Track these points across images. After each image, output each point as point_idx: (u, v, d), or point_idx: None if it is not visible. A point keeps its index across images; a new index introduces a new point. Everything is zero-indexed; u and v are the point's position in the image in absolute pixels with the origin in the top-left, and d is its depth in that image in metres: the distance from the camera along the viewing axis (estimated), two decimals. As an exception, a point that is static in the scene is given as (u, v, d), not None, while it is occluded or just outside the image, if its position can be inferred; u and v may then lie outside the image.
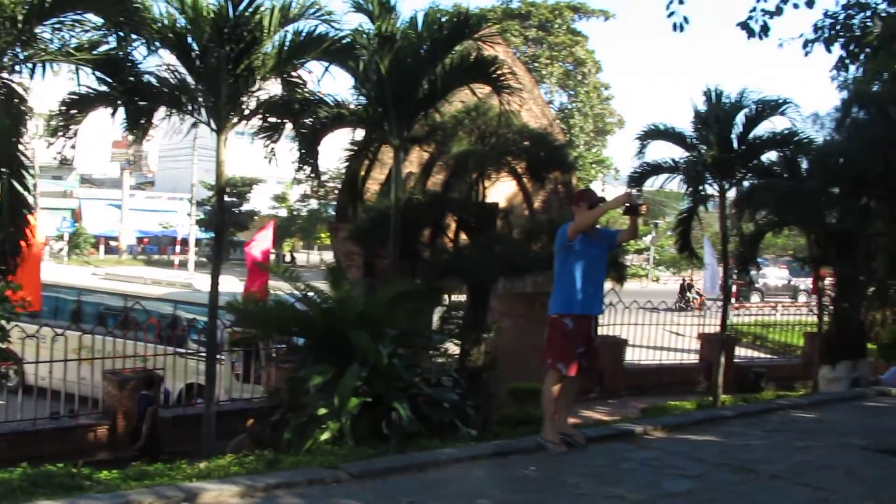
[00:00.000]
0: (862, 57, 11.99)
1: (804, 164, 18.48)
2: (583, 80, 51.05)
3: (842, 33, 11.59)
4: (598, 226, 7.19)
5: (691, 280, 44.54)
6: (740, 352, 28.38)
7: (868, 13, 11.79)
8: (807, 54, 12.05)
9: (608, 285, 16.27)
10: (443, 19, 13.51)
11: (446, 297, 15.29)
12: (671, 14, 11.47)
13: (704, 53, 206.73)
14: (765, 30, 10.98)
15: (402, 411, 8.18)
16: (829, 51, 11.64)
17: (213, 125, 11.91)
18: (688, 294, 43.28)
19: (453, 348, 15.49)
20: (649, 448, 6.97)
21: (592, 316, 6.90)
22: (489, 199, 16.76)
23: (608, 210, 7.09)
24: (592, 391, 21.94)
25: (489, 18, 17.95)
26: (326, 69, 13.18)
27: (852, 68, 14.09)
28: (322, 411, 8.28)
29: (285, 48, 12.09)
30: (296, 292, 10.33)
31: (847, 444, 7.29)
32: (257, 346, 15.01)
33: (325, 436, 7.99)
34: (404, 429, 8.11)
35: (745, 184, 18.38)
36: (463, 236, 15.86)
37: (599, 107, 51.77)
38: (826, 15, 11.74)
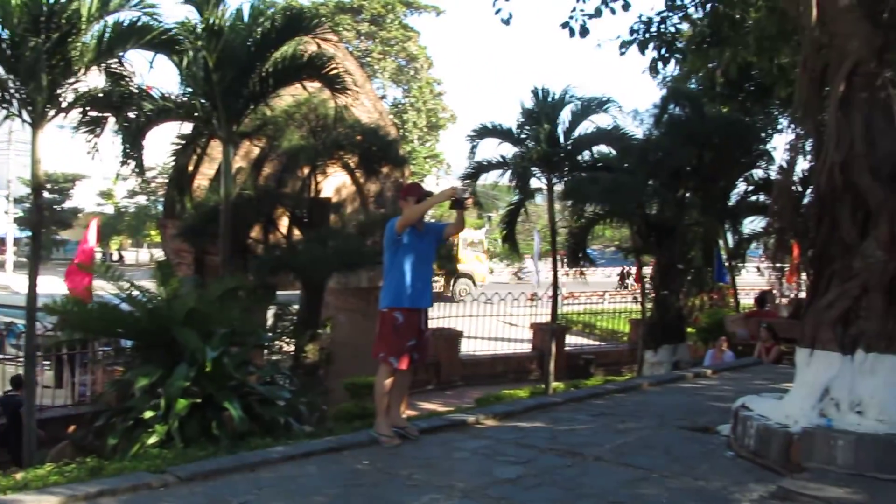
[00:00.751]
0: (672, 60, 12.57)
1: (626, 158, 19.32)
2: (416, 76, 51.41)
3: (655, 36, 12.16)
4: (426, 219, 7.28)
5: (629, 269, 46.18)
6: (571, 340, 29.38)
7: (680, 15, 12.41)
8: (622, 54, 12.63)
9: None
10: (273, 13, 13.34)
11: (280, 293, 15.12)
12: (498, 11, 11.83)
13: (537, 50, 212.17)
14: (584, 31, 11.39)
15: (233, 411, 8.02)
16: (642, 53, 12.20)
17: (28, 118, 11.26)
18: (626, 281, 44.99)
19: (289, 345, 15.34)
20: (481, 437, 7.13)
21: (422, 309, 6.99)
22: (322, 194, 16.66)
23: (435, 204, 7.17)
24: (429, 383, 22.23)
25: (322, 15, 17.84)
26: (151, 61, 12.74)
27: (668, 68, 14.80)
28: (149, 414, 8.01)
29: (105, 39, 11.57)
30: (120, 293, 9.93)
31: (666, 424, 7.69)
32: (75, 349, 14.30)
33: (152, 439, 7.74)
34: (235, 429, 7.97)
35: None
36: (296, 231, 15.72)
37: (432, 102, 52.25)
38: (640, 20, 12.29)
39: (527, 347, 26.25)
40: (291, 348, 14.82)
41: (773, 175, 18.73)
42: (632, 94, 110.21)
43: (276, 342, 13.50)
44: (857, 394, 6.18)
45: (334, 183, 17.96)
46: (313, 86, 14.92)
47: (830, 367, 6.27)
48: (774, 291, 23.36)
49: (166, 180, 26.04)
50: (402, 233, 6.79)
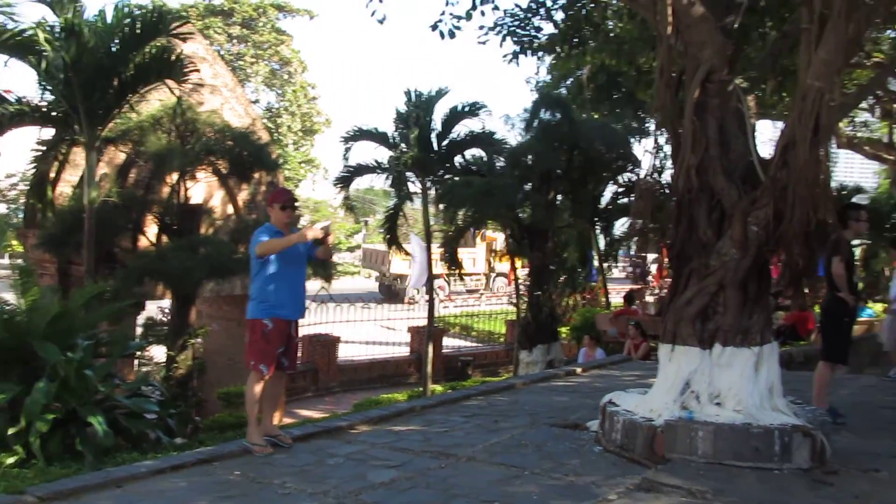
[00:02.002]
0: (531, 53, 12.73)
1: (500, 163, 19.64)
2: (289, 80, 50.80)
3: (516, 30, 12.34)
4: (296, 226, 7.21)
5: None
6: (449, 342, 29.65)
7: (540, 16, 12.65)
8: (482, 42, 12.79)
9: (320, 283, 16.48)
10: (136, 14, 12.96)
11: (149, 302, 14.73)
12: (373, 13, 11.87)
13: (413, 54, 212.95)
14: (452, 33, 11.48)
15: (98, 426, 7.75)
16: (500, 44, 12.38)
17: None
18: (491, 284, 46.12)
19: (160, 355, 14.95)
20: (355, 442, 7.12)
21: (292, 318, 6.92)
22: (192, 200, 16.31)
23: (292, 244, 6.85)
24: (307, 390, 22.05)
25: (187, 16, 17.44)
26: (6, 64, 12.22)
27: (536, 71, 15.12)
28: (8, 432, 7.68)
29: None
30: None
31: (537, 423, 7.85)
32: None
33: (11, 459, 7.42)
34: (100, 444, 7.71)
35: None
36: (165, 239, 15.34)
37: (307, 106, 51.73)
38: (506, 14, 12.46)
39: (405, 351, 26.35)
40: (163, 358, 14.46)
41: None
42: (505, 98, 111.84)
43: (144, 352, 13.15)
44: (715, 386, 6.47)
45: (205, 189, 17.60)
46: (183, 89, 14.60)
47: (690, 361, 6.54)
48: (643, 289, 24.20)
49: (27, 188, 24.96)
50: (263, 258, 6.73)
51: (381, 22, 11.46)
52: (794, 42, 7.08)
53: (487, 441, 7.12)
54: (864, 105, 24.74)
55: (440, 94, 19.04)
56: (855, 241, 10.30)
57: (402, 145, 18.94)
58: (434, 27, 11.52)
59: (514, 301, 22.56)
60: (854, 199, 29.50)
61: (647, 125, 23.27)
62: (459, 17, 11.43)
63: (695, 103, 6.59)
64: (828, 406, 7.97)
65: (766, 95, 13.19)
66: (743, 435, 6.13)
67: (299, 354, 22.21)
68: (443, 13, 11.40)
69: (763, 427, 6.16)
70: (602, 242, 24.91)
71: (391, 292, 44.11)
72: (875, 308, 21.26)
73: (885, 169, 30.59)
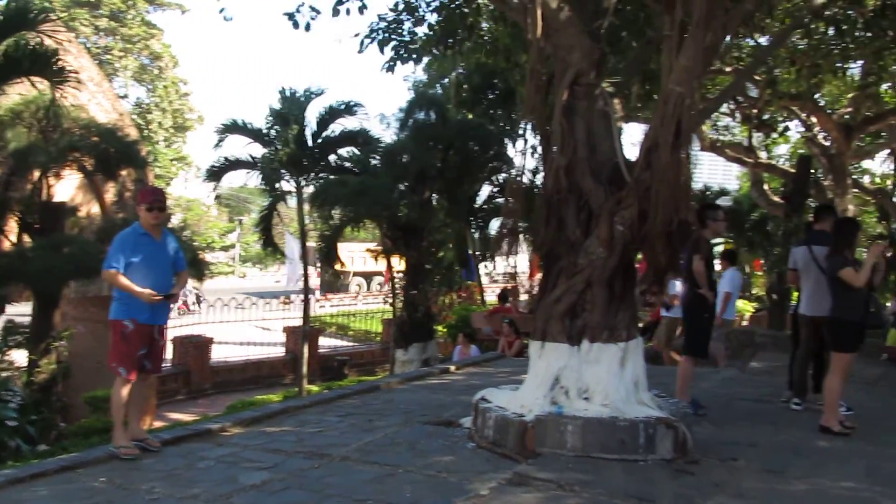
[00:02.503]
0: (411, 61, 12.83)
1: (376, 161, 19.64)
2: (160, 75, 49.39)
3: (393, 37, 12.40)
4: (167, 226, 7.02)
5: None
6: (326, 342, 29.45)
7: (414, 18, 12.72)
8: (361, 52, 12.82)
9: (192, 283, 16.10)
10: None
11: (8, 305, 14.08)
12: (221, 10, 11.80)
13: (289, 52, 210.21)
14: (308, 26, 11.39)
15: (-49, 435, 7.39)
16: (381, 51, 12.39)
17: None
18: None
19: (22, 360, 14.32)
20: (227, 444, 6.98)
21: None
22: (56, 198, 15.68)
23: (135, 294, 6.62)
24: (179, 392, 21.53)
25: (53, 9, 16.76)
26: None
27: (409, 69, 15.22)
28: None
29: None
30: None
31: (411, 421, 7.88)
32: None
33: None
34: (-45, 455, 7.36)
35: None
36: (27, 238, 14.70)
37: (178, 102, 50.41)
38: (380, 18, 12.49)
39: (281, 351, 26.05)
40: (25, 363, 13.86)
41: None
42: (384, 96, 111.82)
43: (6, 357, 12.58)
44: (584, 381, 6.65)
45: (70, 186, 16.95)
46: (45, 83, 14.02)
47: (560, 357, 6.70)
48: (518, 287, 24.59)
49: None
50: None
51: (227, 20, 11.32)
52: (658, 48, 7.32)
53: (361, 440, 7.11)
54: (726, 110, 25.85)
55: (315, 93, 18.91)
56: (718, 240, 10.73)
57: (277, 143, 18.71)
58: (290, 17, 11.38)
59: (391, 300, 22.60)
60: (717, 201, 30.82)
61: (521, 126, 23.62)
62: (318, 12, 11.35)
63: (563, 105, 6.74)
64: (690, 398, 8.30)
65: (632, 99, 13.61)
66: (610, 428, 6.32)
67: (170, 356, 21.91)
68: (301, 4, 11.29)
69: (629, 420, 6.37)
70: (478, 242, 25.20)
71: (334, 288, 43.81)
72: (736, 305, 22.25)
73: (745, 172, 31.96)
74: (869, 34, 14.77)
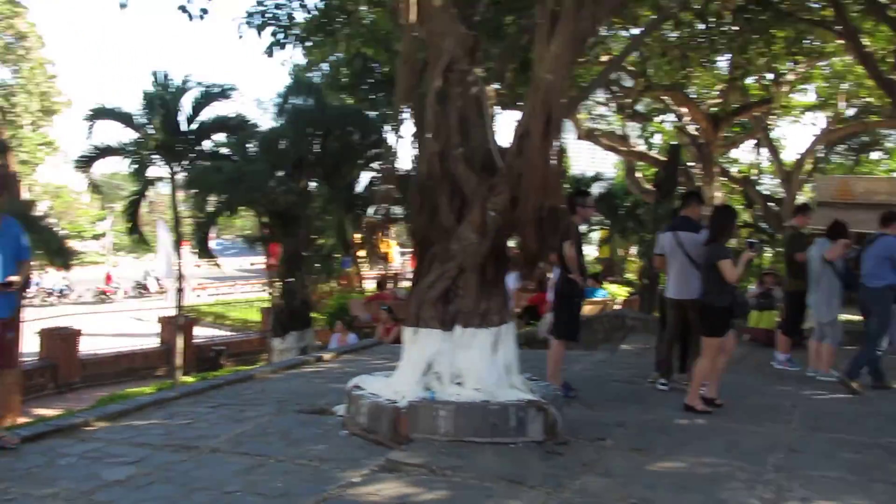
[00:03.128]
0: (290, 46, 12.69)
1: (253, 148, 19.29)
2: (26, 56, 47.09)
3: (271, 21, 12.22)
4: (7, 215, 6.63)
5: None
6: (202, 331, 28.84)
7: (295, 3, 12.57)
8: (241, 37, 12.62)
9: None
10: None
11: None
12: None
13: (164, 34, 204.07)
14: (202, 16, 11.15)
15: None
16: (259, 35, 12.20)
17: None
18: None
19: None
20: (90, 440, 6.72)
21: None
22: None
23: None
24: (45, 387, 20.72)
25: None
26: None
27: (288, 55, 15.00)
28: None
29: None
30: None
31: (284, 410, 7.77)
32: None
33: None
34: None
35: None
36: None
37: (46, 84, 48.17)
38: (258, 3, 12.28)
39: (155, 342, 25.38)
40: None
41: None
42: (262, 81, 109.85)
43: None
44: (456, 367, 6.69)
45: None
46: None
47: (433, 343, 6.72)
48: (398, 274, 24.61)
49: None
50: None
51: (123, 6, 10.97)
52: (532, 36, 7.39)
53: (232, 431, 6.97)
54: (601, 99, 26.49)
55: (189, 82, 18.41)
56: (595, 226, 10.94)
57: (149, 127, 18.14)
58: (183, 9, 11.12)
59: (269, 289, 22.28)
60: (591, 187, 31.55)
61: (397, 112, 23.59)
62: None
63: (437, 92, 6.74)
64: (562, 381, 8.46)
65: (505, 87, 13.77)
66: (482, 412, 6.38)
67: (36, 349, 21.02)
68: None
69: (500, 404, 6.45)
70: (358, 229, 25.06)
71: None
72: (609, 289, 22.83)
73: (621, 160, 32.82)
74: (735, 28, 15.36)
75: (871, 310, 9.39)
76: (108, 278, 40.83)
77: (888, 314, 9.30)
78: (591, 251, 39.34)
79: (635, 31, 18.47)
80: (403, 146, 8.86)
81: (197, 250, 20.52)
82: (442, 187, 6.80)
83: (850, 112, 29.14)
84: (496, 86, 16.63)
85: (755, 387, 8.32)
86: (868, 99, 26.57)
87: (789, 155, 33.32)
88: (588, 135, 24.97)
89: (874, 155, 37.53)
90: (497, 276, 6.85)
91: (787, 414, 7.90)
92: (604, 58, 19.12)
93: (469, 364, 6.67)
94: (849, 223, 10.72)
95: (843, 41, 17.28)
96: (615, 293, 24.13)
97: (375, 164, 21.94)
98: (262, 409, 7.89)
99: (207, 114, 18.53)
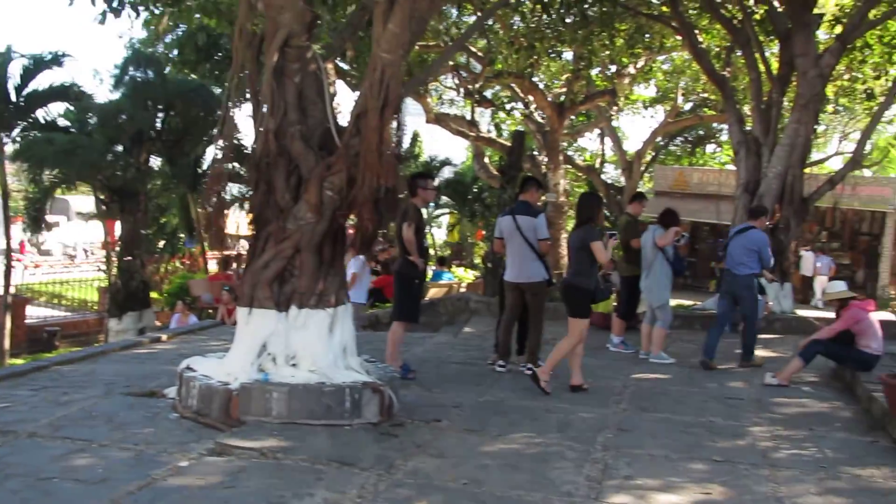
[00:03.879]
0: (121, 13, 12.13)
1: (92, 120, 18.47)
2: None
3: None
4: None
5: None
6: (36, 311, 27.43)
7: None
8: (71, 4, 12.01)
9: None
10: None
11: None
12: None
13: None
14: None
15: None
16: (93, 3, 11.62)
17: None
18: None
19: None
20: None
21: None
22: None
23: None
24: None
25: None
26: None
27: (129, 26, 14.38)
28: None
29: None
30: None
31: (112, 392, 7.46)
32: None
33: None
34: None
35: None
36: None
37: None
38: None
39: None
40: None
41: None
42: (101, 53, 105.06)
43: None
44: (291, 348, 6.60)
45: None
46: None
47: (267, 323, 6.60)
48: (242, 255, 24.10)
49: None
50: None
51: None
52: (370, 15, 7.33)
53: (54, 415, 6.64)
54: (451, 84, 26.68)
55: (13, 51, 17.40)
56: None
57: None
58: None
59: (106, 268, 21.44)
60: (442, 172, 31.80)
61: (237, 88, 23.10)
62: None
63: (273, 67, 6.59)
64: (402, 362, 8.50)
65: (346, 64, 13.65)
66: (316, 394, 6.31)
67: None
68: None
69: (335, 385, 6.39)
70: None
71: None
72: (455, 272, 23.10)
73: (470, 145, 33.20)
74: (578, 20, 15.76)
75: (740, 295, 10.07)
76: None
77: (755, 297, 9.97)
78: (440, 235, 39.75)
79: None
80: (242, 123, 8.64)
81: (29, 226, 19.56)
82: (278, 165, 6.66)
83: (688, 106, 30.47)
84: (342, 65, 16.53)
85: (590, 369, 8.57)
86: (704, 94, 27.88)
87: (631, 145, 34.55)
88: (437, 119, 25.10)
89: (709, 147, 39.35)
90: (334, 257, 6.78)
91: (618, 395, 8.19)
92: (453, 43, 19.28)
93: (304, 345, 6.59)
94: (682, 212, 11.24)
95: (680, 37, 18.02)
96: (461, 276, 24.43)
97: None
98: (88, 391, 7.56)
99: (39, 82, 17.60)
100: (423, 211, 8.98)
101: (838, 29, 16.44)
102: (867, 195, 23.42)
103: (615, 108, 27.99)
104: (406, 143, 27.27)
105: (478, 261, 34.24)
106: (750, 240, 10.01)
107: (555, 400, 7.82)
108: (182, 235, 26.72)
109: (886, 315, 9.02)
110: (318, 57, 6.83)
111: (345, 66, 17.37)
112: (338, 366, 6.66)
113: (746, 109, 18.46)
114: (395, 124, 6.44)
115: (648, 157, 33.21)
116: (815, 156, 23.86)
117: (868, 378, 8.46)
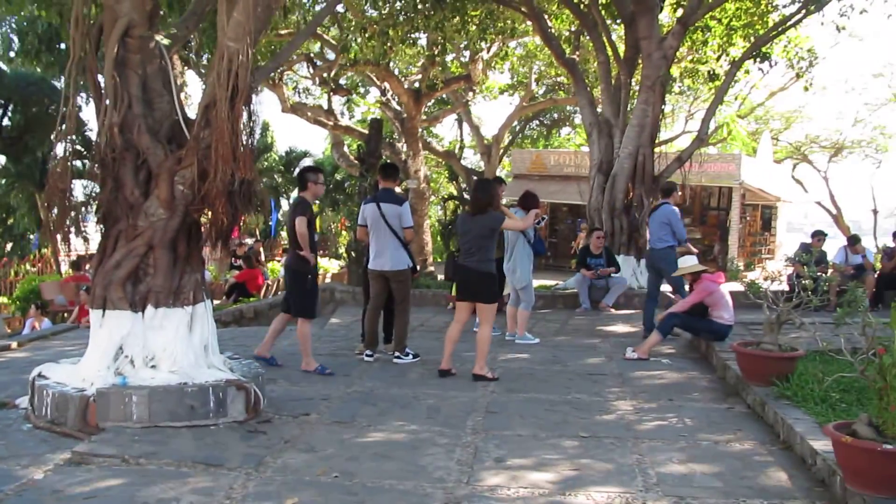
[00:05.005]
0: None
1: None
2: None
3: None
4: None
5: None
6: None
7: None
8: None
9: None
10: None
11: None
12: None
13: None
14: None
15: None
16: None
17: None
18: None
19: None
20: None
21: None
22: None
23: None
24: None
25: None
26: None
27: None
28: None
29: None
30: None
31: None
32: None
33: None
34: None
35: None
36: None
37: None
38: None
39: None
40: None
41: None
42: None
43: None
44: (150, 349, 6.37)
45: None
46: None
47: (123, 325, 6.34)
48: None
49: None
50: None
51: None
52: (215, 4, 7.13)
53: None
54: (306, 73, 26.36)
55: None
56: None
57: None
58: None
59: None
60: (304, 162, 31.46)
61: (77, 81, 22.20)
62: None
63: (114, 58, 6.32)
64: (270, 355, 8.43)
65: (192, 55, 13.26)
66: (178, 395, 6.13)
67: None
68: None
69: (198, 385, 6.23)
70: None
71: None
72: (319, 263, 22.77)
73: (329, 135, 32.92)
74: (430, 7, 15.81)
75: (660, 268, 10.59)
76: None
77: (674, 268, 10.22)
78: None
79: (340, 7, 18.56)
80: (72, 117, 8.09)
81: None
82: (125, 161, 6.40)
83: (542, 90, 31.10)
84: (192, 56, 16.06)
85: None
86: (558, 78, 28.50)
87: (489, 130, 35.02)
88: (294, 109, 24.76)
89: (564, 130, 40.32)
90: (190, 253, 6.58)
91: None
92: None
93: (163, 345, 6.38)
94: (541, 194, 11.45)
95: (530, 22, 18.33)
96: (326, 267, 24.21)
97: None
98: (-72, 408, 7.09)
99: None
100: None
101: (680, 12, 17.09)
102: (714, 171, 24.40)
103: (471, 93, 28.28)
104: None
105: (342, 250, 34.07)
106: (663, 214, 10.54)
107: (423, 386, 7.87)
108: (32, 237, 25.45)
109: (736, 286, 9.47)
110: (162, 47, 6.59)
111: (193, 57, 16.88)
112: (200, 365, 6.48)
113: (597, 92, 18.96)
114: (245, 115, 6.28)
115: (506, 141, 33.73)
116: (663, 135, 24.65)
117: (722, 347, 8.88)
